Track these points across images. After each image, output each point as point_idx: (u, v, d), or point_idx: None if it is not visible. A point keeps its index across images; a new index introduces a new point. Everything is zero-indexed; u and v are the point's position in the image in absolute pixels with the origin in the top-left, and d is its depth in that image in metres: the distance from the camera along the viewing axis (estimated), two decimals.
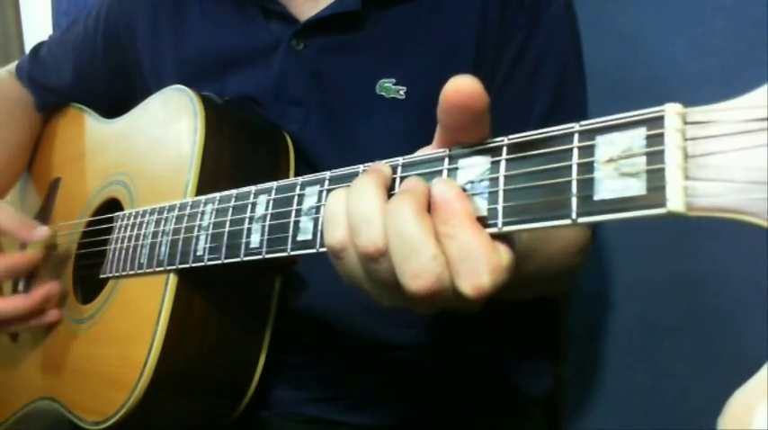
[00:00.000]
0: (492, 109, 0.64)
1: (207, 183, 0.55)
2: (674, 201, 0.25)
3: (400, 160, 0.37)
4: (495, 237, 0.31)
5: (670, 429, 0.74)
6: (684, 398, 0.72)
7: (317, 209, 0.41)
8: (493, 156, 0.32)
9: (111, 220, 0.64)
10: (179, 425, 0.59)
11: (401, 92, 0.60)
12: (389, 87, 0.60)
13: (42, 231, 0.67)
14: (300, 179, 0.43)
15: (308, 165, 0.62)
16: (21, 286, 0.73)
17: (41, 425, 0.67)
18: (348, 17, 0.62)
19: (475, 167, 0.33)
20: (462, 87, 0.32)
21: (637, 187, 0.26)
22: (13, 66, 0.84)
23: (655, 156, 0.26)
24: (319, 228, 0.40)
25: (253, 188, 0.48)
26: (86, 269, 0.67)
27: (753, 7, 0.65)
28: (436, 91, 0.62)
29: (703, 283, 0.72)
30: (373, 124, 0.61)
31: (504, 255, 0.31)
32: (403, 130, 0.61)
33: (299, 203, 0.42)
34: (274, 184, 0.46)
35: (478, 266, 0.30)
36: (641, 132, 0.27)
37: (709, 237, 0.70)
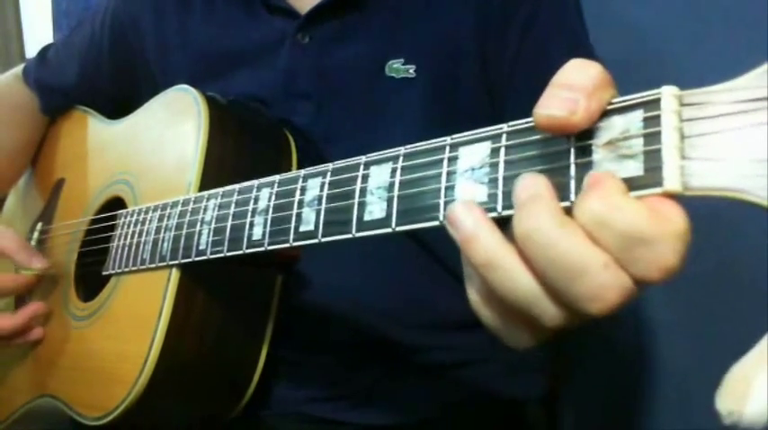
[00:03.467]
0: (508, 84, 0.63)
1: (210, 181, 0.56)
2: (671, 181, 0.26)
3: (402, 150, 0.37)
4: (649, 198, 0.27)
5: (670, 429, 0.74)
6: (684, 398, 0.72)
7: (320, 200, 0.41)
8: (493, 143, 0.33)
9: (114, 218, 0.64)
10: (179, 421, 0.59)
11: (411, 70, 0.60)
12: (399, 67, 0.61)
13: (39, 260, 0.68)
14: (303, 172, 0.44)
15: (321, 158, 0.62)
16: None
17: (42, 424, 0.67)
18: (350, 1, 0.62)
19: (475, 154, 0.33)
20: (545, 127, 0.29)
21: (634, 168, 0.27)
22: (19, 69, 0.84)
23: (652, 138, 0.27)
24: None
25: (255, 182, 0.48)
26: (89, 267, 0.68)
27: (753, 7, 0.66)
28: (445, 64, 0.62)
29: (703, 282, 0.72)
30: (388, 106, 0.61)
31: (674, 218, 0.26)
32: (418, 108, 0.61)
33: (302, 194, 0.43)
34: (277, 178, 0.46)
35: (653, 246, 0.26)
36: (638, 115, 0.27)
37: (708, 235, 0.70)
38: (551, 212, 0.28)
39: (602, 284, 0.27)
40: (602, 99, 0.28)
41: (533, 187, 0.29)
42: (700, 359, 0.71)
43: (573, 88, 0.28)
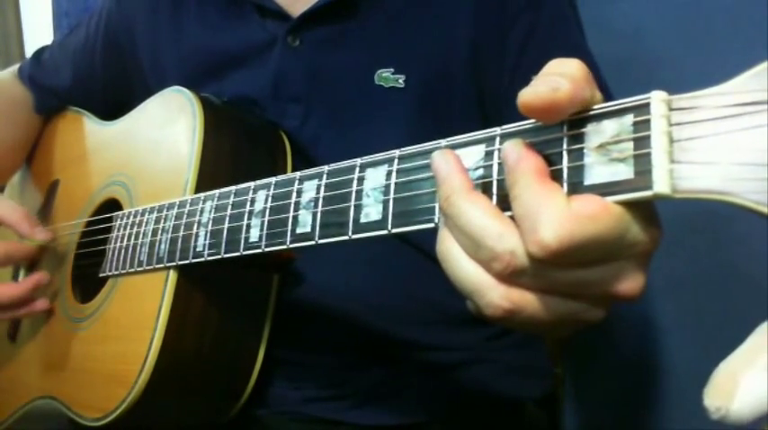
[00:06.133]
0: (506, 96, 0.63)
1: (206, 182, 0.56)
2: (660, 184, 0.26)
3: (396, 152, 0.38)
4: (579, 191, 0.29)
5: (670, 429, 0.74)
6: (684, 398, 0.73)
7: (316, 202, 0.41)
8: (487, 146, 0.33)
9: (110, 220, 0.65)
10: (178, 421, 0.60)
11: (400, 80, 0.61)
12: (388, 77, 0.61)
13: (42, 231, 0.68)
14: (299, 174, 0.44)
15: (308, 162, 0.62)
16: (21, 277, 0.73)
17: (41, 425, 0.68)
18: (342, 6, 0.62)
19: (469, 157, 0.33)
20: (530, 106, 0.29)
21: (625, 171, 0.27)
22: (16, 67, 0.85)
23: (642, 142, 0.27)
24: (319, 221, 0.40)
25: (252, 184, 0.48)
26: (85, 269, 0.68)
27: (753, 7, 0.66)
28: (435, 77, 0.62)
29: (703, 283, 0.72)
30: (374, 115, 0.62)
31: (576, 206, 0.27)
32: (404, 119, 0.61)
33: (298, 197, 0.43)
34: (273, 180, 0.47)
35: (536, 219, 0.27)
36: (629, 119, 0.28)
37: (708, 236, 0.71)
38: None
39: None
40: (583, 89, 0.29)
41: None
42: (700, 359, 0.72)
43: (555, 74, 0.29)
